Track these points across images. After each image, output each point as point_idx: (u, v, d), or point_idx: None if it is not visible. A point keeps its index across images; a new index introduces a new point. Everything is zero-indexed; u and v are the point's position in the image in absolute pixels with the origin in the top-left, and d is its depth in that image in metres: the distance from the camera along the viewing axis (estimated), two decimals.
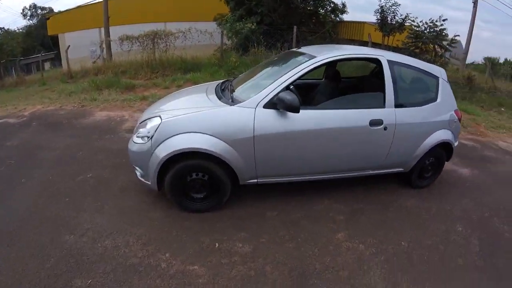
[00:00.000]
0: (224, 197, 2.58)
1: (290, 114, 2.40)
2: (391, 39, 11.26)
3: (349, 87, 3.35)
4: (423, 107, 3.03)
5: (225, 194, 2.56)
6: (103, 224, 2.43)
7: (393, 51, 11.09)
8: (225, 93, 2.81)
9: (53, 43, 22.39)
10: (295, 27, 9.20)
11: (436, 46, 9.61)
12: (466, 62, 13.47)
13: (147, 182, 2.51)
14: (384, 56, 2.92)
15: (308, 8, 12.70)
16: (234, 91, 2.77)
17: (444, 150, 3.28)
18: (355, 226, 2.62)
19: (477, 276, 2.23)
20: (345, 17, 14.08)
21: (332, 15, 13.56)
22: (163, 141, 2.32)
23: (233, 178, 2.52)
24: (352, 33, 14.56)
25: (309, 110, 2.59)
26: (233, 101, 2.54)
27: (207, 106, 2.55)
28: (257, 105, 2.40)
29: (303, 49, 3.21)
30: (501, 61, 23.92)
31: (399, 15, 10.90)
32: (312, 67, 2.58)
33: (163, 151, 2.31)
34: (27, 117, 5.31)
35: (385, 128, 2.76)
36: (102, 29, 11.09)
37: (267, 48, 9.44)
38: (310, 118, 2.51)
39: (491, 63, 14.57)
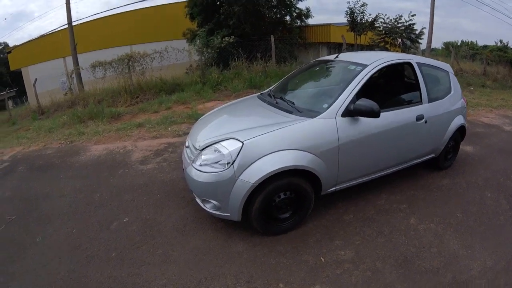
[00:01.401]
0: (309, 211, 2.52)
1: (362, 119, 2.48)
2: (363, 38, 12.00)
3: (392, 88, 3.51)
4: (444, 99, 3.39)
5: (310, 207, 2.50)
6: (181, 274, 2.09)
7: (366, 48, 11.95)
8: (284, 105, 2.75)
9: (12, 80, 20.34)
10: (271, 36, 9.46)
11: (404, 39, 10.53)
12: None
13: (224, 214, 2.29)
14: (413, 59, 3.23)
15: (276, 16, 13.01)
16: (293, 103, 2.72)
17: (459, 133, 3.71)
18: (417, 210, 2.94)
19: None
20: (311, 21, 14.73)
21: (298, 21, 14.06)
22: (250, 165, 2.14)
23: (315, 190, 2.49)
24: (319, 36, 15.20)
25: None
26: (300, 112, 2.52)
27: (284, 121, 2.42)
28: (336, 115, 2.42)
29: (341, 57, 3.32)
30: (458, 43, 26.91)
31: (367, 14, 11.81)
32: (370, 74, 2.70)
33: (253, 176, 2.12)
34: (9, 161, 4.64)
35: (425, 121, 3.03)
36: (67, 58, 10.40)
37: (248, 60, 9.49)
38: (377, 121, 2.57)
39: (453, 47, 16.23)
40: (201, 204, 2.42)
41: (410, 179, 3.50)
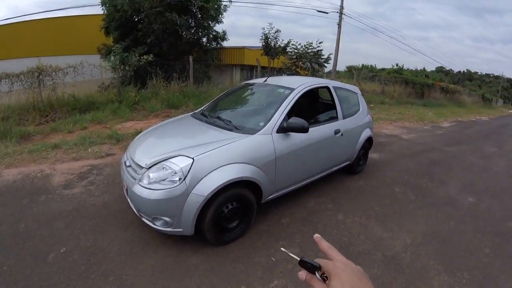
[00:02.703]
0: (252, 218, 2.77)
1: (293, 134, 2.90)
2: (276, 61, 13.02)
3: (314, 108, 4.10)
4: (355, 115, 4.17)
5: (253, 215, 2.75)
6: None
7: (278, 71, 12.99)
8: (222, 124, 3.00)
9: None
10: (190, 57, 9.64)
11: (313, 64, 11.88)
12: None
13: (177, 230, 2.35)
14: (330, 84, 3.90)
15: (193, 37, 13.17)
16: (230, 121, 3.00)
17: (368, 143, 4.57)
18: (342, 208, 3.49)
19: (424, 211, 3.63)
20: (226, 44, 15.24)
21: (214, 43, 14.48)
22: (201, 179, 2.28)
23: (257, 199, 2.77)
24: (234, 58, 15.89)
25: None
26: (239, 130, 2.81)
27: (226, 138, 2.64)
28: (272, 131, 2.78)
29: (270, 81, 3.78)
30: (359, 66, 31.04)
31: (280, 40, 12.92)
32: (297, 96, 3.18)
33: (206, 189, 2.26)
34: None
35: (342, 134, 3.68)
36: None
37: (165, 79, 9.46)
38: (304, 135, 3.01)
39: (355, 70, 18.68)
40: (150, 223, 2.42)
41: (332, 184, 4.11)
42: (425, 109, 13.98)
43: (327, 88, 3.80)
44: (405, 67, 35.06)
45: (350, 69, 22.87)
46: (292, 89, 3.24)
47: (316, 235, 0.68)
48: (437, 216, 3.51)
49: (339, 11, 15.57)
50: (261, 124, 2.84)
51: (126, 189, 2.63)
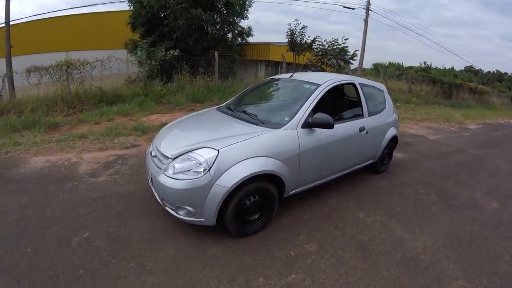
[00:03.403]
0: (274, 212, 2.76)
1: (318, 130, 2.87)
2: (301, 58, 12.89)
3: (339, 104, 4.03)
4: (381, 113, 4.04)
5: (275, 209, 2.75)
6: (162, 283, 2.06)
7: (303, 68, 12.87)
8: (248, 118, 3.00)
9: None
10: (216, 52, 9.68)
11: (338, 61, 11.67)
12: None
13: (199, 219, 2.38)
14: (356, 80, 3.80)
15: (219, 33, 13.22)
16: (256, 115, 2.99)
17: (393, 142, 4.40)
18: (364, 207, 3.42)
19: (447, 214, 3.50)
20: (251, 39, 15.20)
21: (240, 39, 14.45)
22: (225, 171, 2.29)
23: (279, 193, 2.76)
24: (259, 54, 15.85)
25: None
26: (265, 124, 2.79)
27: (251, 132, 2.65)
28: (297, 126, 2.76)
29: (295, 76, 3.74)
30: (386, 63, 30.35)
31: (306, 36, 12.73)
32: (323, 92, 3.14)
33: (230, 181, 2.28)
34: None
35: (367, 132, 3.58)
36: None
37: (191, 74, 9.54)
38: (329, 131, 2.96)
39: (382, 68, 18.23)
40: (173, 212, 2.46)
41: (354, 182, 4.03)
42: (452, 110, 13.41)
43: (353, 84, 3.71)
44: (433, 65, 33.79)
45: (377, 66, 22.30)
46: (318, 85, 3.19)
47: None
48: (460, 220, 3.37)
49: (365, 7, 15.18)
50: (286, 119, 2.82)
51: (151, 179, 2.69)
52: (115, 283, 2.07)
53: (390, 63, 34.20)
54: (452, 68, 35.74)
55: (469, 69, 36.71)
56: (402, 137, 6.74)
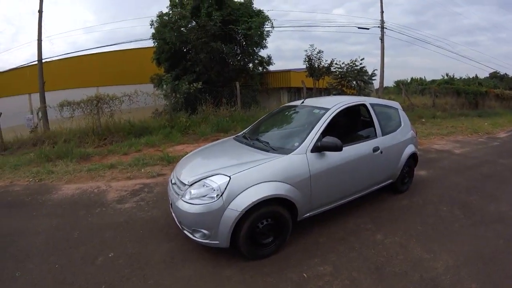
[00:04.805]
0: (288, 235, 2.80)
1: (328, 153, 2.94)
2: (321, 82, 13.04)
3: (351, 126, 4.07)
4: (396, 131, 4.01)
5: (289, 232, 2.79)
6: None
7: (324, 92, 12.98)
8: (260, 146, 3.16)
9: None
10: (237, 83, 10.11)
11: (358, 82, 11.69)
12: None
13: (214, 242, 2.50)
14: (367, 101, 3.87)
15: (240, 64, 13.84)
16: (268, 143, 3.15)
17: (412, 159, 4.28)
18: (382, 228, 3.34)
19: (471, 230, 3.34)
20: (271, 68, 15.66)
21: (260, 68, 14.99)
22: (237, 196, 2.44)
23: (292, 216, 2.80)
24: (280, 81, 16.23)
25: None
26: (275, 150, 2.94)
27: (262, 158, 2.80)
28: (306, 151, 2.86)
29: (306, 102, 3.89)
30: (408, 80, 29.84)
31: (324, 60, 12.92)
32: (332, 116, 3.24)
33: (241, 205, 2.41)
34: None
35: (381, 152, 3.56)
36: (32, 95, 10.08)
37: (214, 105, 9.96)
38: (340, 154, 3.01)
39: (403, 85, 17.98)
40: (190, 235, 2.61)
41: (373, 203, 3.96)
42: (480, 120, 12.79)
43: (364, 105, 3.77)
44: (456, 75, 32.65)
45: (398, 84, 21.98)
46: (327, 109, 3.30)
47: None
48: (485, 235, 3.20)
49: (380, 25, 15.28)
50: (296, 144, 2.94)
51: (171, 204, 2.91)
52: None
53: (412, 78, 33.59)
54: (476, 76, 34.37)
55: (494, 75, 34.93)
56: (426, 154, 6.58)
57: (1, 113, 8.00)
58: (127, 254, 2.81)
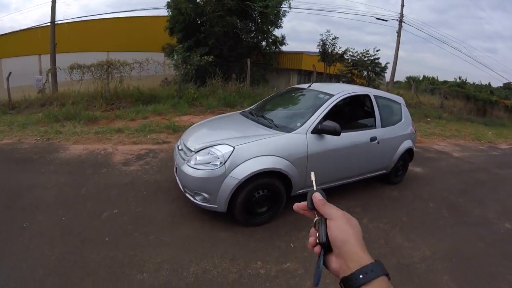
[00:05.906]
0: (281, 207, 3.03)
1: (327, 136, 3.11)
2: (332, 68, 12.99)
3: (352, 114, 4.22)
4: (396, 125, 4.17)
5: (282, 204, 3.02)
6: (174, 255, 2.42)
7: (334, 78, 12.90)
8: (265, 122, 3.33)
9: None
10: (248, 60, 10.09)
11: (369, 72, 11.63)
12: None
13: (212, 205, 2.73)
14: (371, 92, 3.99)
15: (253, 41, 13.73)
16: (272, 120, 3.33)
17: (408, 154, 4.45)
18: (369, 213, 3.54)
19: (454, 229, 3.49)
20: (284, 48, 15.51)
21: (273, 47, 14.84)
22: (238, 165, 2.64)
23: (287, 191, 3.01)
24: (292, 62, 16.09)
25: None
26: (278, 128, 3.11)
27: (265, 133, 2.99)
28: (306, 132, 3.04)
29: (313, 86, 4.01)
30: (420, 77, 29.41)
31: (338, 47, 12.80)
32: (335, 102, 3.39)
33: (241, 173, 2.62)
34: None
35: (378, 142, 3.73)
36: (42, 56, 10.13)
37: (224, 79, 10.01)
38: (336, 138, 3.18)
39: (414, 81, 17.84)
40: (191, 198, 2.84)
41: (365, 190, 4.16)
42: (485, 128, 12.80)
43: (368, 96, 3.91)
44: (469, 80, 32.04)
45: (409, 80, 21.69)
46: (331, 95, 3.45)
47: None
48: (466, 236, 3.36)
49: (398, 19, 14.98)
50: (298, 124, 3.12)
51: (176, 168, 3.11)
52: (134, 251, 2.46)
53: (424, 76, 33.00)
54: (489, 84, 33.74)
55: (507, 86, 34.27)
56: (425, 152, 6.72)
57: (10, 72, 8.10)
58: (131, 212, 3.03)
